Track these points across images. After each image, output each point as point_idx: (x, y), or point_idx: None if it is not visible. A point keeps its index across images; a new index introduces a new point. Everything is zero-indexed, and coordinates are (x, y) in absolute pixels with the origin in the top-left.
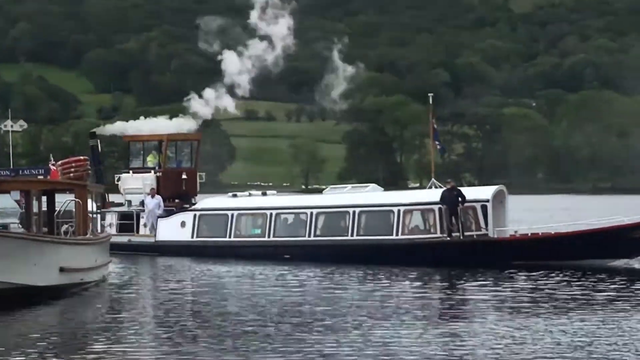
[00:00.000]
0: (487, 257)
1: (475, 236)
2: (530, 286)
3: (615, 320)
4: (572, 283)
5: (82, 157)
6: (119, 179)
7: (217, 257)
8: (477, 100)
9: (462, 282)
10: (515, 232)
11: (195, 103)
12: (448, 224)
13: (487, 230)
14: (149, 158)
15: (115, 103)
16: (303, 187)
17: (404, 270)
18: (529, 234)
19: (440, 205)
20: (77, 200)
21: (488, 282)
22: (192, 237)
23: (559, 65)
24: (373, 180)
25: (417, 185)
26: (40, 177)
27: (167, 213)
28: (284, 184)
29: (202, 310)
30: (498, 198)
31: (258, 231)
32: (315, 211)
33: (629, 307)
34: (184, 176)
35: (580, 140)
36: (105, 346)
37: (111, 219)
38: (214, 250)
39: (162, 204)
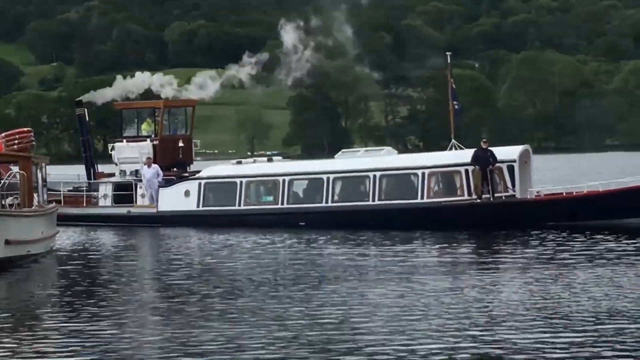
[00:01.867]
0: (520, 218)
1: (503, 197)
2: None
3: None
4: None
5: (25, 129)
6: (112, 149)
7: (225, 226)
8: (421, 63)
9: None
10: (538, 192)
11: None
12: (479, 186)
13: (514, 191)
14: (143, 126)
15: (58, 74)
16: (249, 153)
17: (433, 235)
18: (564, 194)
19: (466, 167)
20: (21, 172)
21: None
22: (198, 206)
23: (501, 26)
24: (319, 144)
25: (362, 149)
26: None
27: (167, 182)
28: (230, 151)
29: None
30: (523, 158)
31: (270, 198)
32: (332, 176)
33: None
34: (180, 144)
35: (524, 99)
36: (56, 319)
37: (105, 190)
38: (223, 219)
39: (160, 172)
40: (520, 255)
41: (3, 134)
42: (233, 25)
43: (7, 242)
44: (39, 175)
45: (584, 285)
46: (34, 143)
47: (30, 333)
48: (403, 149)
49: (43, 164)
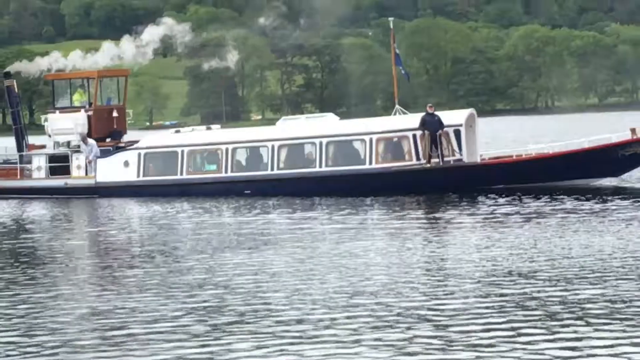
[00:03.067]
0: (469, 182)
1: (451, 162)
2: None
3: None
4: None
5: None
6: (45, 120)
7: (166, 196)
8: (316, 32)
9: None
10: (481, 156)
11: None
12: (429, 150)
13: (461, 155)
14: (75, 97)
15: None
16: (147, 124)
17: (379, 199)
18: (514, 156)
19: (414, 132)
20: None
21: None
22: (138, 176)
23: None
24: (217, 113)
25: (260, 117)
26: None
27: (104, 153)
28: (128, 122)
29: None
30: (469, 122)
31: (214, 167)
32: (277, 144)
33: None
34: (114, 114)
35: (418, 66)
36: None
37: (39, 162)
38: (164, 189)
39: (96, 148)
40: (433, 220)
41: None
42: None
43: None
44: None
45: (487, 246)
46: None
47: None
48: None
49: None
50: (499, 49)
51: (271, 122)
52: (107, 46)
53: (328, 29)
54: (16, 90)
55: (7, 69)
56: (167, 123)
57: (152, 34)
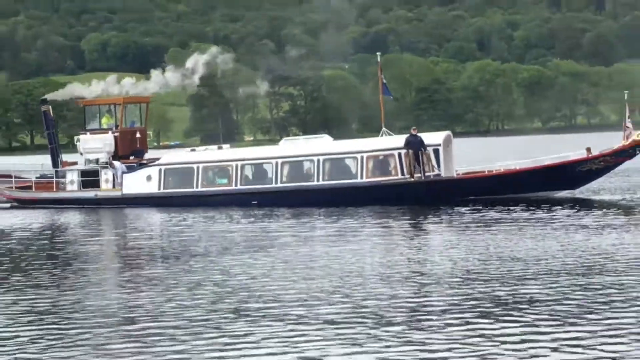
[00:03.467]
0: (447, 194)
1: (431, 176)
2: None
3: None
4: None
5: None
6: (78, 140)
7: (183, 206)
8: (301, 65)
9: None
10: (457, 172)
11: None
12: (412, 167)
13: (439, 171)
14: (103, 120)
15: None
16: (155, 144)
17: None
18: (486, 172)
19: (399, 151)
20: None
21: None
22: (159, 189)
23: (366, 33)
24: (215, 135)
25: (252, 138)
26: None
27: (129, 169)
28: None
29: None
30: (446, 142)
31: (225, 181)
32: (280, 161)
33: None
34: (137, 135)
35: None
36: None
37: (72, 176)
38: (181, 200)
39: (122, 167)
40: (407, 227)
41: None
42: (141, 35)
43: None
44: None
45: (447, 248)
46: None
47: None
48: (287, 137)
49: None
50: (457, 80)
51: (261, 143)
52: (155, 74)
53: (312, 62)
54: (51, 114)
55: (44, 97)
56: (172, 143)
57: (197, 61)
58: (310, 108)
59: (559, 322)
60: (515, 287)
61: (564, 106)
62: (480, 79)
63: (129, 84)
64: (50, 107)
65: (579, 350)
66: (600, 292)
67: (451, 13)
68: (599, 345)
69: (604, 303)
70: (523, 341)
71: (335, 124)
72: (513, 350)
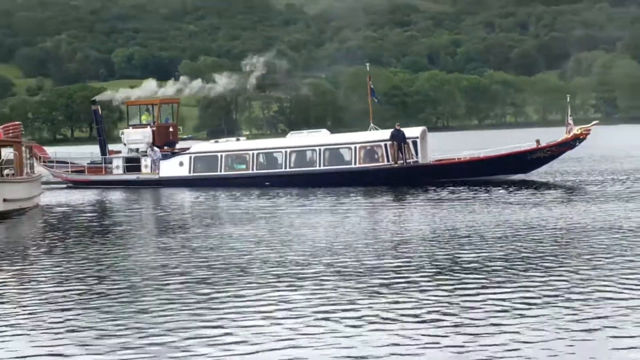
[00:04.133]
0: (424, 177)
1: (411, 163)
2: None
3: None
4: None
5: (16, 122)
6: (122, 133)
7: (209, 186)
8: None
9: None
10: (431, 160)
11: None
12: (396, 155)
13: (417, 159)
14: (143, 117)
15: (39, 84)
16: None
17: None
18: (456, 159)
19: (385, 142)
20: (15, 152)
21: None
22: (189, 173)
23: (339, 49)
24: (219, 131)
25: (248, 133)
26: None
27: (164, 156)
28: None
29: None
30: (422, 135)
31: (243, 166)
32: (288, 150)
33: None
34: (170, 129)
35: (356, 99)
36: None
37: (118, 162)
38: (207, 181)
39: (159, 153)
40: (378, 203)
41: (2, 126)
42: (159, 49)
43: (5, 200)
44: (27, 154)
45: (412, 220)
46: (22, 132)
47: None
48: (276, 132)
49: (30, 147)
50: (412, 87)
51: (257, 137)
52: (219, 77)
53: (294, 71)
54: (100, 112)
55: (94, 98)
56: (185, 137)
57: (255, 63)
58: (294, 109)
59: (485, 281)
60: (451, 252)
61: (496, 107)
62: (431, 85)
63: (197, 87)
64: (99, 106)
65: (503, 302)
66: (518, 256)
67: (407, 33)
68: (516, 299)
69: (522, 266)
70: (453, 291)
71: (313, 122)
72: (447, 302)
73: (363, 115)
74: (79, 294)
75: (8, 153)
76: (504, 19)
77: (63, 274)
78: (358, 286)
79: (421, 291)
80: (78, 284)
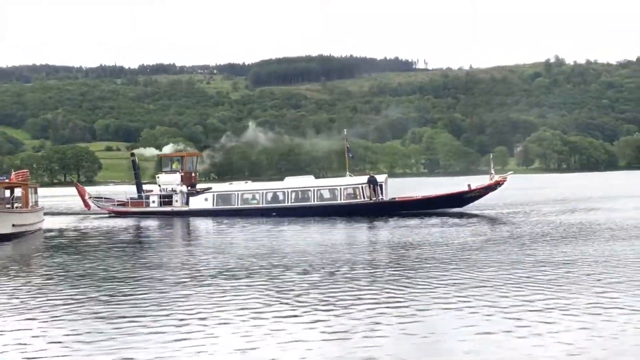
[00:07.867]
0: (388, 210)
1: (379, 200)
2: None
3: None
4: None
5: (24, 170)
6: (158, 177)
7: (228, 217)
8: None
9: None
10: (393, 198)
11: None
12: (371, 194)
13: (382, 197)
14: (173, 165)
15: (41, 144)
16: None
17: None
18: (413, 197)
19: (363, 185)
20: (22, 191)
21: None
22: (213, 206)
23: (259, 116)
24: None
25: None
26: (6, 180)
27: (191, 194)
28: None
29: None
30: (385, 180)
31: (255, 202)
32: (289, 189)
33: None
34: (193, 174)
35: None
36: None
37: (154, 198)
38: (227, 213)
39: (186, 191)
40: (343, 227)
41: (14, 173)
42: (128, 121)
43: (14, 225)
44: (32, 192)
45: (364, 237)
46: (29, 177)
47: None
48: (209, 180)
49: (34, 187)
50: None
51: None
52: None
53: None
54: (137, 161)
55: (132, 151)
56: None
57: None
58: (224, 163)
59: (379, 285)
60: (404, 255)
61: (360, 164)
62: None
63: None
64: (136, 157)
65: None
66: (445, 257)
67: (299, 113)
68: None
69: (447, 263)
70: (399, 286)
71: (235, 174)
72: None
73: (270, 168)
74: (73, 294)
75: (18, 192)
76: (365, 104)
77: (62, 276)
78: (334, 284)
79: (376, 285)
80: (73, 286)
